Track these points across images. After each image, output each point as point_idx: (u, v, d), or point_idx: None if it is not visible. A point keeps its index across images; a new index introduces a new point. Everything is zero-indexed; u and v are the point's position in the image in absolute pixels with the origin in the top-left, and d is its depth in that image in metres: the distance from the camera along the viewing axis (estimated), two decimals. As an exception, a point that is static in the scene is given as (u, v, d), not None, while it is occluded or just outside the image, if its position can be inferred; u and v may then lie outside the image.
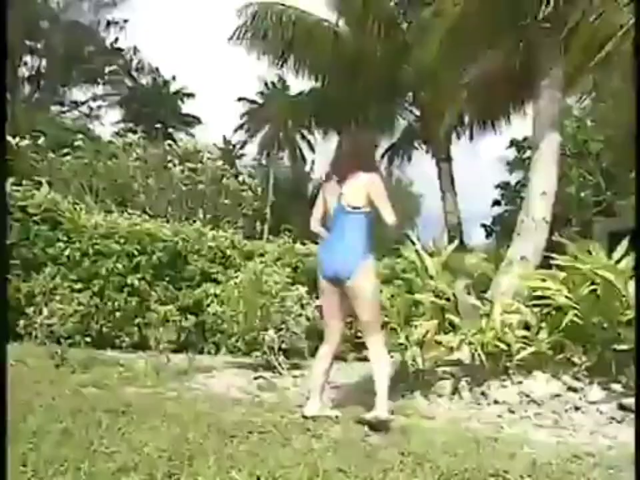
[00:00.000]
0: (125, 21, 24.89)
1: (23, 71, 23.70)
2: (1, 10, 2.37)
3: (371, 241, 2.85)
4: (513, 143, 15.77)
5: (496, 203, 16.75)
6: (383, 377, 2.76)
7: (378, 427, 2.58)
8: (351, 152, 2.97)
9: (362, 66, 7.58)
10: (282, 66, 8.17)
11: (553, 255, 4.24)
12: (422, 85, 8.39)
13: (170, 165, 9.56)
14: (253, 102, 28.16)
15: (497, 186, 16.62)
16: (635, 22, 3.88)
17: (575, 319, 3.63)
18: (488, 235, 15.70)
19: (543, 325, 3.74)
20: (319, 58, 7.37)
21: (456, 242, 5.49)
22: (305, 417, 2.75)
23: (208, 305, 5.23)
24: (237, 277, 4.93)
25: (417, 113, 9.63)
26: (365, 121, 9.23)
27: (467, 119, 8.25)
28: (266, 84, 27.70)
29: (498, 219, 16.23)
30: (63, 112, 24.14)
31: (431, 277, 4.62)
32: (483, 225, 16.80)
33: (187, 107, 28.13)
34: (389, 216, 2.77)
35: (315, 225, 3.03)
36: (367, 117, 9.06)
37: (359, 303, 2.80)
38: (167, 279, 5.68)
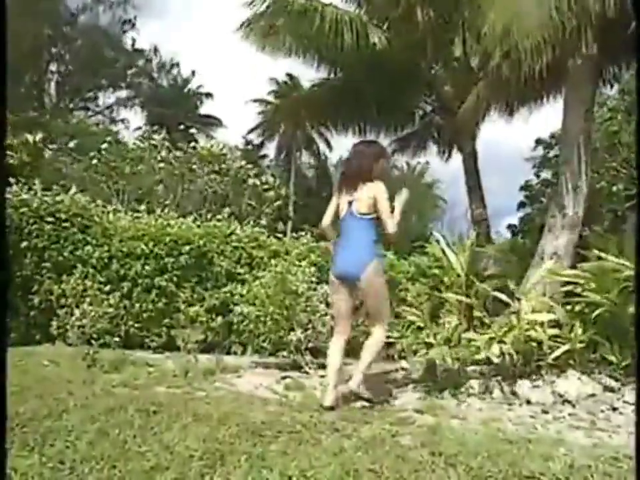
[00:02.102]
0: (135, 17, 25.22)
1: (50, 77, 24.37)
2: (1, 10, 2.41)
3: (379, 243, 3.27)
4: (539, 142, 15.44)
5: (521, 205, 16.39)
6: (368, 352, 3.15)
7: (354, 396, 3.05)
8: (358, 165, 3.31)
9: (382, 58, 7.46)
10: (298, 57, 8.05)
11: (585, 251, 4.14)
12: (447, 77, 8.27)
13: (195, 167, 9.68)
14: (267, 102, 28.14)
15: (522, 187, 16.26)
16: (635, 22, 3.78)
17: (608, 315, 3.54)
18: (515, 235, 15.43)
19: (576, 322, 3.65)
20: (337, 50, 7.25)
21: (473, 235, 5.39)
22: (325, 408, 2.92)
23: (235, 305, 5.24)
24: (262, 277, 4.95)
25: (436, 104, 9.51)
26: (381, 114, 9.14)
27: (493, 112, 8.10)
28: (277, 83, 27.69)
29: (525, 219, 15.92)
30: (89, 117, 24.71)
31: (458, 275, 4.58)
32: (509, 226, 16.50)
33: (205, 109, 28.48)
34: (391, 225, 3.17)
35: (325, 224, 3.41)
36: (384, 110, 8.98)
37: (369, 298, 3.21)
38: (194, 280, 5.71)
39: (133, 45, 25.62)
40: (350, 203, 3.25)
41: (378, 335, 3.22)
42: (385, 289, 3.27)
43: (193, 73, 28.21)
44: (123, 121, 26.04)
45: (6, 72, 2.45)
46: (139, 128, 24.35)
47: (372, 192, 3.19)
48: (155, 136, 10.13)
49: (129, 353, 4.56)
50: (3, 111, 2.35)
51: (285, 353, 4.55)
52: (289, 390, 3.60)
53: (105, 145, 9.71)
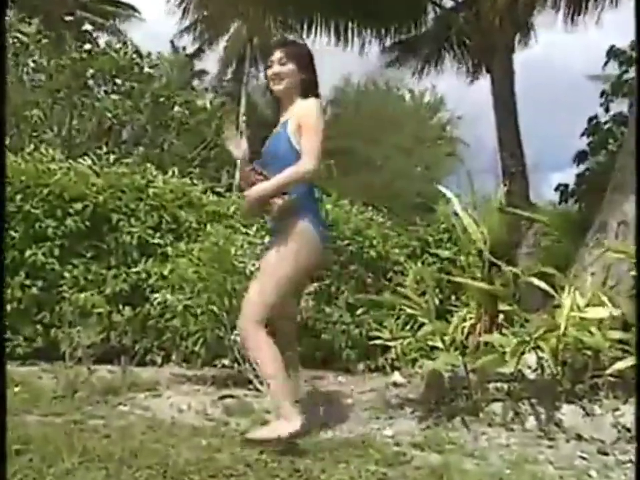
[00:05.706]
0: None
1: None
2: (1, 10, 3.12)
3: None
4: (613, 54, 15.32)
5: (581, 156, 16.34)
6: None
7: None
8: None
9: None
10: None
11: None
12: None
13: (91, 82, 9.41)
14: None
15: (585, 131, 16.20)
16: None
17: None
18: (565, 198, 15.56)
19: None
20: None
21: (500, 191, 5.41)
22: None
23: (152, 291, 5.25)
24: (193, 250, 4.96)
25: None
26: (375, 10, 9.03)
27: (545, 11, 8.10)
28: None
29: (584, 176, 15.94)
30: None
31: (479, 252, 4.62)
32: (559, 186, 16.56)
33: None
34: (305, 161, 3.02)
35: None
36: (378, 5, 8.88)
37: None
38: (89, 253, 5.67)
39: None
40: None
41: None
42: (285, 267, 3.01)
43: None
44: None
45: (5, 72, 2.71)
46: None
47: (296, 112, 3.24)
48: (24, 29, 9.68)
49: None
50: (2, 108, 2.83)
51: (225, 362, 4.60)
52: (231, 414, 3.65)
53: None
